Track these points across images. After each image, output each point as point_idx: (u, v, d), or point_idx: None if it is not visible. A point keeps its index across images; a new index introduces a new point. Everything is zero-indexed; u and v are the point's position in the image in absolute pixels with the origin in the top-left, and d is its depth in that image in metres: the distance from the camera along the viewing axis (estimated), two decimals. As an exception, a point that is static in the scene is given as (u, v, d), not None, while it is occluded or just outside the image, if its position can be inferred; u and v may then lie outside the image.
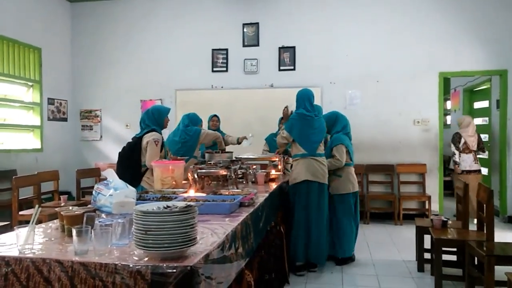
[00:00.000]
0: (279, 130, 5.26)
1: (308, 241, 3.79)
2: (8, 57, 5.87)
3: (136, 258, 1.44)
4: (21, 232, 1.54)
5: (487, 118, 7.41)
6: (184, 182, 3.38)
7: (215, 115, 5.48)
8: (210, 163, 3.72)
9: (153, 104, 4.07)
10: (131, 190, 1.88)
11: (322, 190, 3.83)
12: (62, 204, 5.14)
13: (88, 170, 6.11)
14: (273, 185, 3.62)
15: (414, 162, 6.17)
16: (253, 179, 3.71)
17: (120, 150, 3.80)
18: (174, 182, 3.18)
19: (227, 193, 3.00)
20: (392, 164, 6.23)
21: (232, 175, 3.18)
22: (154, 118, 3.82)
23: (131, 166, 3.73)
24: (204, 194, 2.73)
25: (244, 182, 3.58)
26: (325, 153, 4.02)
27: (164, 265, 1.37)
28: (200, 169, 3.28)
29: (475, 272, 3.08)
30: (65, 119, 6.99)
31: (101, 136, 7.12)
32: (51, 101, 6.66)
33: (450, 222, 3.78)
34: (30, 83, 6.36)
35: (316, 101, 6.65)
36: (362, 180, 6.27)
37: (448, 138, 6.53)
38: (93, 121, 7.15)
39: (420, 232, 3.81)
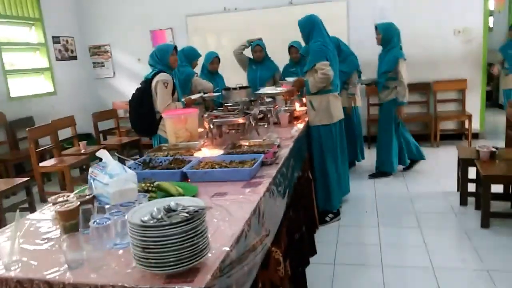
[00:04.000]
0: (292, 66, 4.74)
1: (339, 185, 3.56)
2: (1, -4, 5.40)
3: (138, 276, 1.19)
4: (3, 246, 1.30)
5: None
6: (200, 130, 3.08)
7: (217, 56, 4.49)
8: (227, 105, 3.39)
9: (159, 44, 3.63)
10: (130, 174, 1.59)
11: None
12: (82, 151, 5.02)
13: (105, 112, 5.88)
14: (299, 126, 3.27)
15: (453, 78, 5.58)
16: (276, 120, 3.36)
17: (134, 89, 3.49)
18: (189, 134, 2.89)
19: (246, 144, 2.70)
20: (428, 82, 5.66)
21: (251, 122, 2.83)
22: (158, 59, 3.44)
23: (143, 114, 3.42)
24: (221, 152, 2.43)
25: (266, 125, 3.23)
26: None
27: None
28: (216, 117, 2.94)
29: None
30: (74, 58, 6.62)
31: (114, 73, 6.78)
32: (56, 40, 6.25)
33: (498, 151, 3.38)
34: (31, 22, 5.92)
35: (342, 17, 5.99)
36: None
37: (491, 45, 5.82)
38: (103, 57, 6.76)
39: (464, 165, 3.45)
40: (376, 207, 3.70)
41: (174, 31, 6.35)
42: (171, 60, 3.45)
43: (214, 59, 4.45)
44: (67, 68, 6.43)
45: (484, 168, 3.09)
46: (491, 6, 8.25)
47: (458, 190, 3.70)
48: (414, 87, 5.70)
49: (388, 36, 4.19)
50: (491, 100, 7.95)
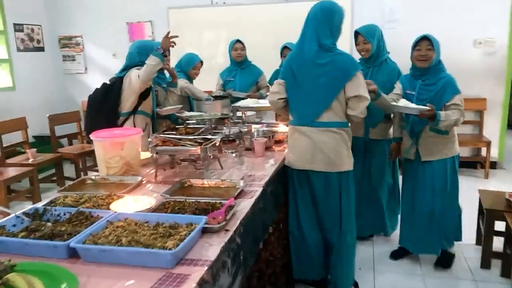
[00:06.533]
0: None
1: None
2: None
3: None
4: None
5: None
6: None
7: (201, 61, 3.68)
8: (188, 123, 2.64)
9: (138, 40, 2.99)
10: None
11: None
12: (30, 161, 4.25)
13: (66, 114, 5.09)
14: (278, 156, 2.49)
15: (471, 97, 4.80)
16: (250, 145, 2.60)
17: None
18: (125, 164, 2.12)
19: (199, 184, 1.94)
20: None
21: (209, 154, 2.06)
22: (138, 57, 2.86)
23: (102, 115, 2.82)
24: (147, 209, 1.66)
25: (235, 154, 2.45)
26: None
27: None
28: (163, 142, 2.17)
29: None
30: (41, 49, 5.84)
31: (86, 68, 6.00)
32: (19, 27, 5.46)
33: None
34: (-13, 6, 5.16)
35: (345, 19, 5.20)
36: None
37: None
38: (75, 50, 5.98)
39: (490, 218, 2.68)
40: (374, 266, 2.92)
41: (153, 25, 5.58)
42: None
43: (197, 64, 3.66)
44: (31, 60, 5.64)
45: (520, 227, 2.33)
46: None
47: (477, 243, 2.94)
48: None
49: (379, 44, 2.83)
50: (508, 121, 7.16)
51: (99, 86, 2.92)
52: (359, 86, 2.19)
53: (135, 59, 2.88)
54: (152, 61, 2.66)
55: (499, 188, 4.15)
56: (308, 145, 2.25)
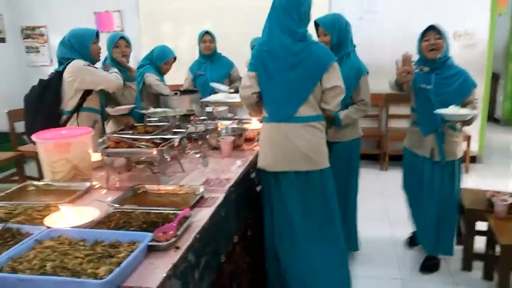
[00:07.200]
0: None
1: None
2: None
3: None
4: None
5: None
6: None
7: (174, 57, 3.40)
8: (149, 121, 2.43)
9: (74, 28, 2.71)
10: None
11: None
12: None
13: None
14: (247, 156, 2.29)
15: (451, 90, 4.70)
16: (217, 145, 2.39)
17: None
18: (73, 168, 1.89)
19: (155, 190, 1.73)
20: (420, 92, 4.77)
21: (165, 156, 1.84)
22: (73, 47, 2.58)
23: (41, 115, 2.54)
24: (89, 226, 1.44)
25: (198, 154, 2.24)
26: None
27: None
28: (117, 143, 1.95)
29: None
30: (2, 40, 5.48)
31: (51, 60, 5.66)
32: (-24, 17, 5.11)
33: (517, 200, 2.49)
34: None
35: (323, 9, 4.97)
36: (381, 114, 4.90)
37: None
38: (39, 41, 5.64)
39: (471, 218, 2.54)
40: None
41: (122, 15, 5.29)
42: (92, 49, 2.62)
43: (170, 60, 3.38)
44: (-10, 51, 5.30)
45: (501, 231, 2.19)
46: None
47: (457, 243, 2.80)
48: (403, 98, 4.79)
49: (340, 37, 2.52)
50: (488, 115, 7.14)
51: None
52: (336, 77, 2.02)
53: (67, 51, 2.59)
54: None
55: (478, 183, 4.08)
56: (287, 144, 2.05)
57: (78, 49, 2.58)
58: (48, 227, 1.34)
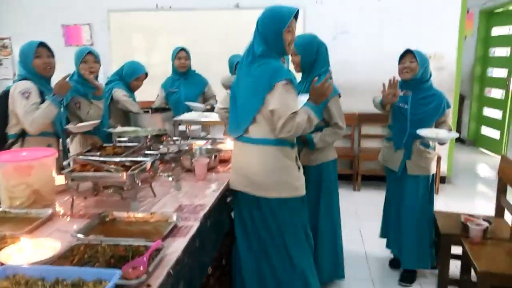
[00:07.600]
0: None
1: None
2: None
3: None
4: None
5: (508, 49, 6.01)
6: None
7: (146, 73, 3.27)
8: (119, 141, 2.31)
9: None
10: None
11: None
12: None
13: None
14: (222, 179, 2.20)
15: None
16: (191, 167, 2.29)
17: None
18: (34, 193, 1.74)
19: (125, 217, 1.61)
20: (391, 113, 4.84)
21: (136, 181, 1.73)
22: (20, 63, 2.43)
23: None
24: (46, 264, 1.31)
25: (171, 177, 2.14)
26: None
27: None
28: (83, 166, 1.82)
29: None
30: (-39, 51, 5.21)
31: (14, 74, 5.41)
32: None
33: (491, 226, 2.47)
34: None
35: (297, 29, 4.99)
36: (353, 134, 4.92)
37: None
38: (2, 54, 5.40)
39: (446, 243, 2.53)
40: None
41: (92, 28, 5.13)
42: (36, 64, 2.39)
43: (141, 76, 3.24)
44: (-52, 63, 5.01)
45: (477, 256, 2.18)
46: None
47: (431, 267, 2.78)
48: (376, 118, 4.83)
49: (310, 57, 2.48)
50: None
51: None
52: (276, 100, 1.88)
53: (18, 67, 2.42)
54: (46, 106, 2.29)
55: (448, 204, 4.15)
56: (238, 163, 2.06)
57: (23, 67, 2.41)
58: (2, 264, 1.21)
